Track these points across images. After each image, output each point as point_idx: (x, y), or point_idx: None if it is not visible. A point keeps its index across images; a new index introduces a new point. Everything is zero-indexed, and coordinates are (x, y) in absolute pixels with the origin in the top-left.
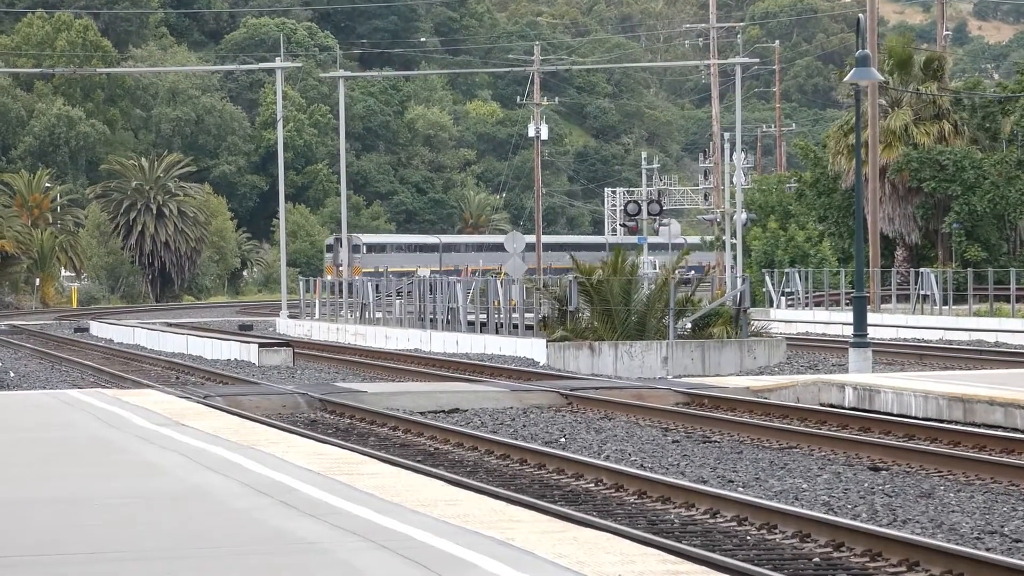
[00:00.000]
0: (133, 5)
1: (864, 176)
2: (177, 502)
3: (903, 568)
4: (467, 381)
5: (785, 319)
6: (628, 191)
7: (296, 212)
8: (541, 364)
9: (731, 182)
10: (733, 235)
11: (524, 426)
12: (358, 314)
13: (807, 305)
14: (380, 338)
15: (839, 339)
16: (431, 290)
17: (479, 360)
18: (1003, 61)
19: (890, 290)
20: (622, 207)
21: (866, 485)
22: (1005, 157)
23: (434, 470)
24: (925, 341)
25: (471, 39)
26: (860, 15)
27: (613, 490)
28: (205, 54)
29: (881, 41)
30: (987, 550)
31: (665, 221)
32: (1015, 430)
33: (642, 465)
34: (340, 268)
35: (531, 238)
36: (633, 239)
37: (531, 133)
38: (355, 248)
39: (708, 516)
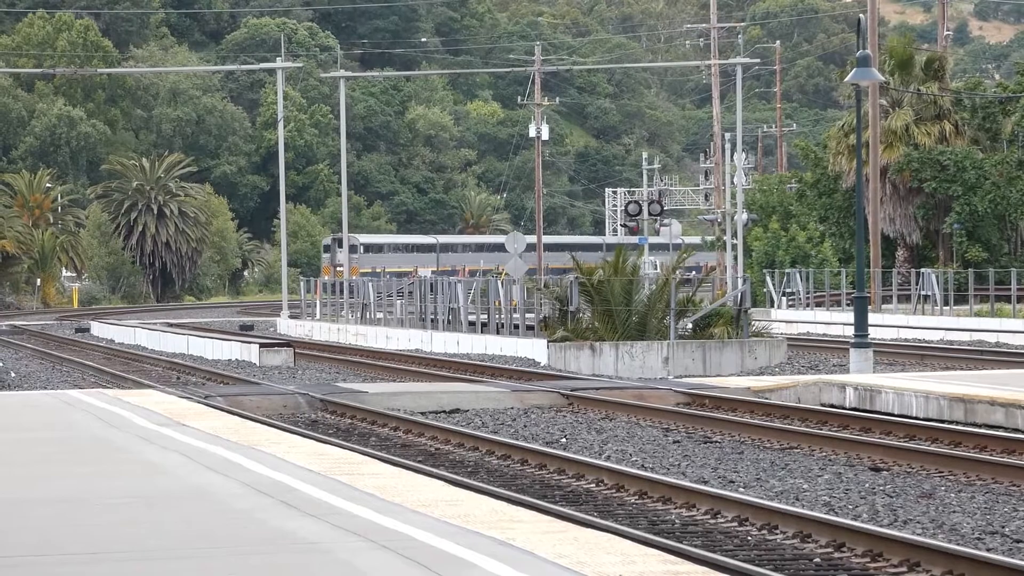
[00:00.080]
0: (134, 5)
1: (865, 176)
2: (178, 502)
3: (904, 568)
4: (468, 381)
5: (786, 319)
6: (629, 191)
7: (297, 212)
8: (542, 364)
9: (732, 182)
10: (734, 235)
11: (525, 426)
12: (359, 314)
13: (808, 305)
14: (381, 338)
15: (840, 339)
16: (432, 290)
17: (480, 360)
18: (1004, 61)
19: (891, 290)
20: (623, 207)
21: (867, 485)
22: (1006, 157)
23: (435, 470)
24: (926, 341)
25: (472, 39)
26: (861, 15)
27: (614, 490)
28: (206, 54)
29: (882, 41)
30: (988, 551)
31: (666, 221)
32: (1016, 430)
33: (643, 465)
34: (339, 268)
35: (532, 238)
36: (634, 239)
37: (532, 133)
38: (352, 248)
39: (709, 516)
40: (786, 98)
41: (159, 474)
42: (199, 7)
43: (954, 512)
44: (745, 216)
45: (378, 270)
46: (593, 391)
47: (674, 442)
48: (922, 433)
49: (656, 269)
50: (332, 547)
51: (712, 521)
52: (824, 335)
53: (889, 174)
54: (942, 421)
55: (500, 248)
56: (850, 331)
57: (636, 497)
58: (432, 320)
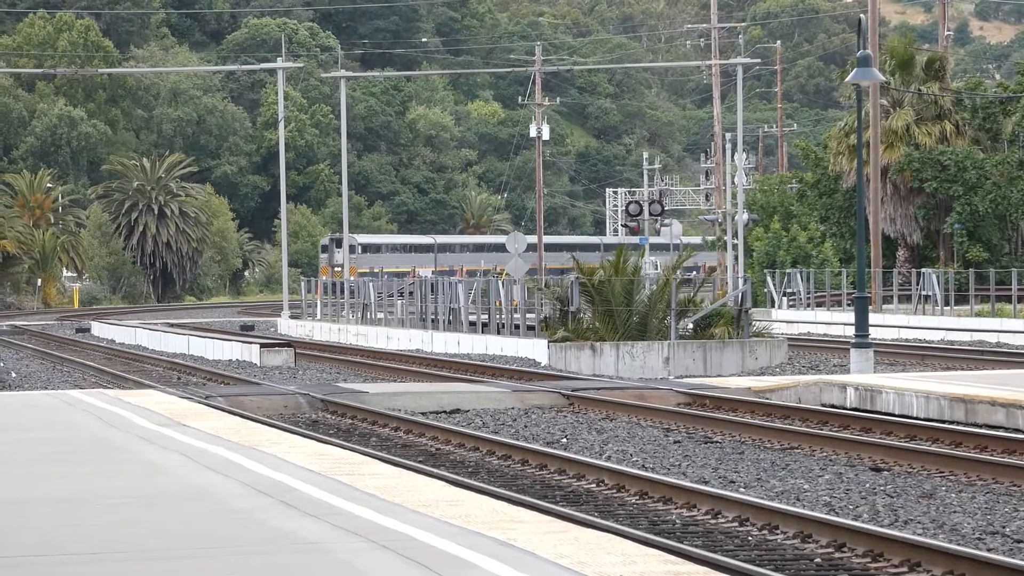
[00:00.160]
0: (135, 5)
1: (865, 176)
2: (178, 502)
3: (905, 569)
4: (468, 382)
5: (787, 319)
6: (629, 191)
7: (298, 212)
8: (543, 364)
9: (733, 182)
10: (734, 236)
11: (526, 427)
12: (360, 315)
13: (809, 305)
14: (382, 339)
15: (841, 339)
16: (432, 290)
17: (480, 360)
18: (1004, 61)
19: (892, 290)
20: (623, 207)
21: (868, 486)
22: (1007, 157)
23: (436, 471)
24: (927, 342)
25: (472, 39)
26: (861, 15)
27: (615, 491)
28: (206, 54)
29: (882, 41)
30: (989, 551)
31: (667, 222)
32: (1017, 431)
33: (644, 466)
34: (337, 269)
35: (532, 238)
36: (635, 239)
37: (532, 133)
38: (350, 248)
39: (710, 517)
40: (787, 98)
41: (159, 474)
42: (200, 7)
43: (955, 512)
44: (746, 216)
45: (376, 270)
46: (594, 391)
47: (675, 442)
48: (923, 433)
49: (657, 269)
50: (332, 547)
51: (713, 521)
52: (825, 335)
53: (890, 174)
54: (943, 421)
55: (500, 248)
56: (851, 331)
57: (637, 497)
58: (433, 320)
